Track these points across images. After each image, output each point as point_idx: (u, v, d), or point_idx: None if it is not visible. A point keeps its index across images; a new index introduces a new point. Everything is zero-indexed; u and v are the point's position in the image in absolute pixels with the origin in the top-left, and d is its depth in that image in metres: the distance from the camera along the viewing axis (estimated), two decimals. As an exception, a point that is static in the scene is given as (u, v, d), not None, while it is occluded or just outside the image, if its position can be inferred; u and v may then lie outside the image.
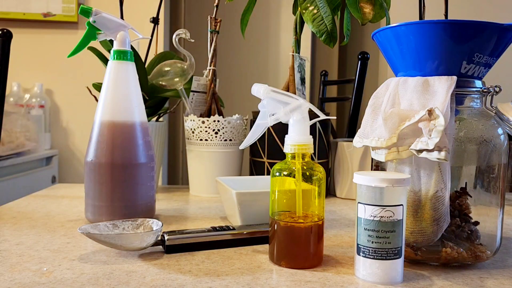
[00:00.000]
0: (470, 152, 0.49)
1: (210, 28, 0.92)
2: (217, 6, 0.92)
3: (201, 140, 0.87)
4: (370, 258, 0.44)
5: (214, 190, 0.88)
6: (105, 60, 0.83)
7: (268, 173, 0.86)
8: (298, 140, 0.49)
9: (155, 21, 0.96)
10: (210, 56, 0.92)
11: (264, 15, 2.25)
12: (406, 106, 0.47)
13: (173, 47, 1.73)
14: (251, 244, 0.56)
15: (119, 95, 0.64)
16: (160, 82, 0.88)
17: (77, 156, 1.91)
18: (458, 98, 0.48)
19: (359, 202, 0.45)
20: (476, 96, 0.50)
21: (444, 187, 0.46)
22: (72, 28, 1.88)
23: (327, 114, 0.85)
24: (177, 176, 2.23)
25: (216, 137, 0.86)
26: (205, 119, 0.87)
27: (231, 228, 0.56)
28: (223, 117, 0.87)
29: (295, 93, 0.86)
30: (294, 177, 0.48)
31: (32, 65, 1.88)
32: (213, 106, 0.92)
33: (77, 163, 1.91)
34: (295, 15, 0.87)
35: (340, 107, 2.42)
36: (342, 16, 0.86)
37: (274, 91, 0.50)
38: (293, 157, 0.49)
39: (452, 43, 0.47)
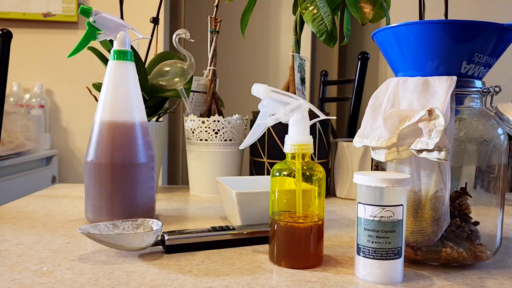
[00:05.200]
0: (470, 152, 0.49)
1: (210, 28, 0.92)
2: (217, 6, 0.92)
3: (201, 140, 0.87)
4: (370, 258, 0.44)
5: (214, 190, 0.88)
6: (105, 60, 0.83)
7: (268, 173, 0.86)
8: (298, 140, 0.49)
9: (155, 21, 0.96)
10: (210, 56, 0.92)
11: (264, 15, 2.25)
12: (406, 106, 0.47)
13: (173, 47, 1.73)
14: (251, 244, 0.56)
15: (119, 95, 0.64)
16: (160, 82, 0.88)
17: (77, 156, 1.91)
18: (458, 98, 0.48)
19: (359, 202, 0.45)
20: (476, 96, 0.50)
21: (444, 187, 0.46)
22: (72, 28, 1.88)
23: (327, 114, 0.85)
24: (177, 176, 2.23)
25: (216, 137, 0.86)
26: (205, 119, 0.87)
27: (231, 228, 0.56)
28: (223, 117, 0.87)
29: (295, 93, 0.86)
30: (294, 177, 0.48)
31: (32, 65, 1.88)
32: (213, 106, 0.92)
33: (77, 163, 1.91)
34: (295, 15, 0.87)
35: (340, 107, 2.42)
36: (342, 16, 0.86)
37: (274, 91, 0.50)
38: (293, 157, 0.49)
39: (452, 43, 0.47)
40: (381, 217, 0.43)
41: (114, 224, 0.54)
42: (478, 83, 0.49)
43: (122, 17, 0.85)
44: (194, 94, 0.92)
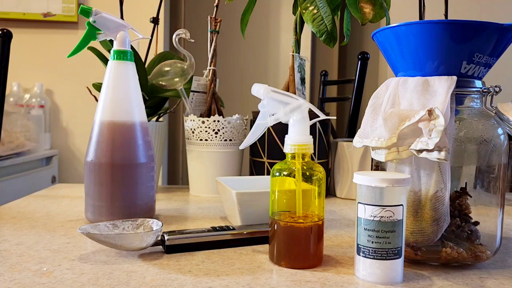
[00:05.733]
0: (470, 152, 0.49)
1: (210, 28, 0.92)
2: (217, 6, 0.92)
3: (201, 140, 0.87)
4: (370, 258, 0.44)
5: (214, 190, 0.88)
6: (105, 60, 0.83)
7: (268, 173, 0.86)
8: (298, 140, 0.49)
9: (155, 21, 0.96)
10: (210, 56, 0.92)
11: (264, 15, 2.25)
12: (406, 106, 0.47)
13: (173, 47, 1.73)
14: (251, 244, 0.56)
15: (119, 95, 0.64)
16: (160, 82, 0.88)
17: (77, 156, 1.91)
18: (458, 98, 0.48)
19: (359, 202, 0.45)
20: (476, 96, 0.50)
21: (444, 187, 0.46)
22: (72, 28, 1.88)
23: (327, 114, 0.85)
24: (177, 176, 2.23)
25: (216, 137, 0.86)
26: (205, 119, 0.87)
27: (231, 228, 0.56)
28: (223, 117, 0.87)
29: (295, 93, 0.86)
30: (294, 177, 0.48)
31: (32, 65, 1.88)
32: (213, 106, 0.92)
33: (77, 163, 1.91)
34: (295, 15, 0.87)
35: (340, 107, 2.42)
36: (342, 16, 0.86)
37: (274, 91, 0.50)
38: (293, 157, 0.49)
39: (452, 43, 0.47)
40: (381, 217, 0.43)
41: (114, 224, 0.54)
42: (478, 83, 0.49)
43: (122, 17, 0.85)
44: (194, 94, 0.92)
